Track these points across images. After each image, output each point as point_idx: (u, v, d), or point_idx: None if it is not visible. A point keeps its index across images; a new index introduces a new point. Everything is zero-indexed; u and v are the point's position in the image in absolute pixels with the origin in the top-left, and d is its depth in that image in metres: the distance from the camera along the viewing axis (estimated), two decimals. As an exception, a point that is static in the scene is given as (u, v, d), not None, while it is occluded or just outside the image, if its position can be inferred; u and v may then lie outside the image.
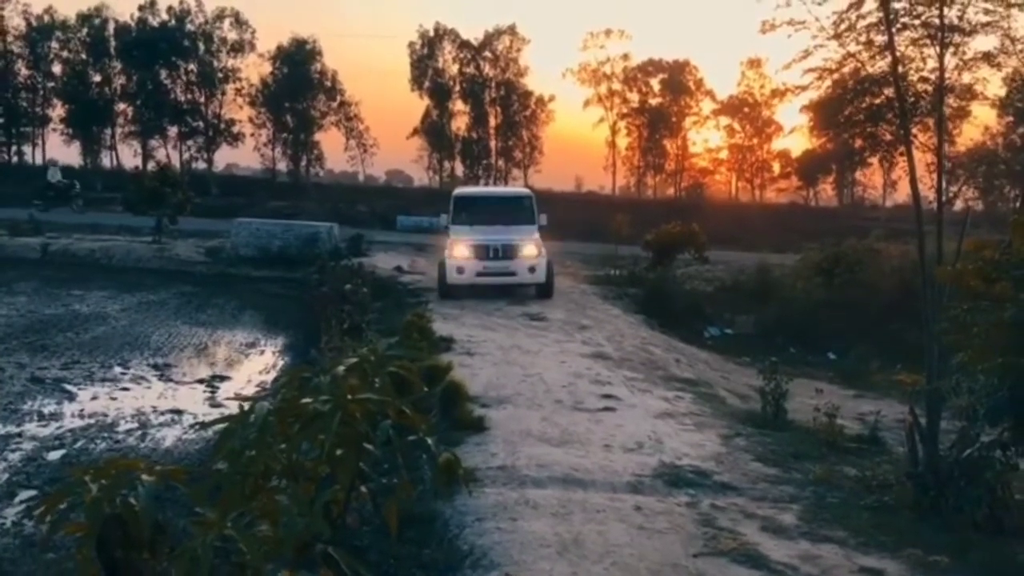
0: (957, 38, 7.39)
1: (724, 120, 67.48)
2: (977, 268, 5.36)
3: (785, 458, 9.17)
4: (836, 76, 8.02)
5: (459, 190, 23.42)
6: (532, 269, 19.23)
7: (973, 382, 6.01)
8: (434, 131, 63.34)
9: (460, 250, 19.17)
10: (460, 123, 64.82)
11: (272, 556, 3.09)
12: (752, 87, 65.16)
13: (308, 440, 3.33)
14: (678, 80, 65.33)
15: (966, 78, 7.57)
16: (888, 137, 8.43)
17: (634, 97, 66.30)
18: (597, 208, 45.49)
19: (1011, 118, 52.52)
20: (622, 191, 69.06)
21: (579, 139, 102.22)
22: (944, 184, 8.84)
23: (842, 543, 6.96)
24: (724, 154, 69.28)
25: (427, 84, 62.95)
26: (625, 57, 64.89)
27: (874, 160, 50.03)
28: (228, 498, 3.12)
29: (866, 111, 8.21)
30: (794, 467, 8.89)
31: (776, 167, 69.23)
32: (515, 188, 25.40)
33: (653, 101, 65.92)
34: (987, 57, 7.54)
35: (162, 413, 11.52)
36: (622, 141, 67.49)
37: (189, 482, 3.13)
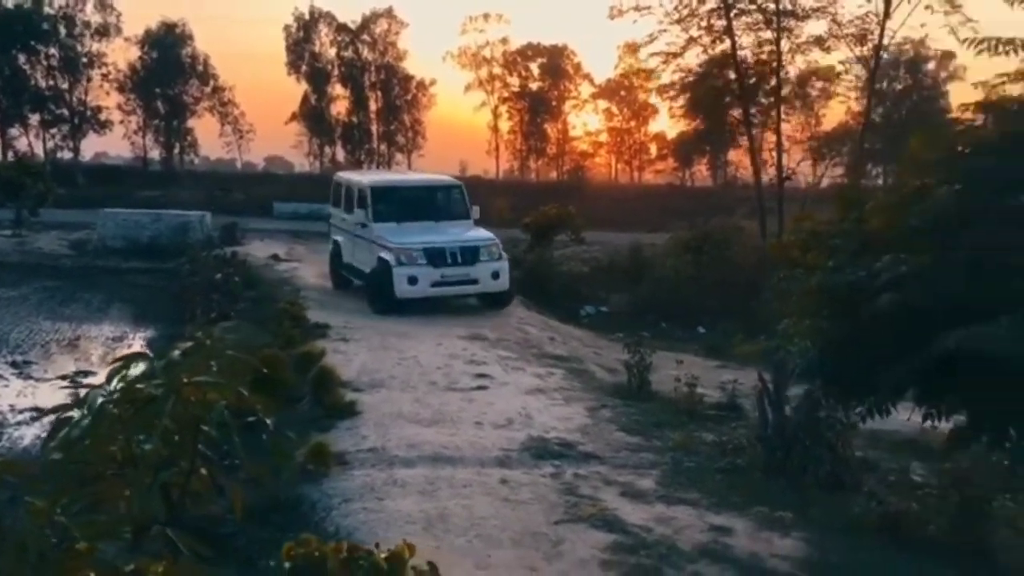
0: (792, 23, 7.82)
1: (603, 104, 68.64)
2: (799, 239, 5.79)
3: (647, 427, 9.58)
4: (681, 60, 8.37)
5: (373, 178, 19.68)
6: (496, 275, 16.38)
7: (792, 345, 6.50)
8: (313, 116, 62.08)
9: (410, 255, 15.79)
10: (340, 107, 63.67)
11: (108, 540, 3.11)
12: (629, 71, 66.30)
13: (144, 425, 3.35)
14: (557, 64, 66.00)
15: (799, 61, 8.03)
16: (735, 118, 8.84)
17: (514, 81, 66.63)
18: (481, 192, 45.59)
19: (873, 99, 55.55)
20: (506, 175, 69.30)
21: (462, 123, 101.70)
22: (810, 163, 9.33)
23: (695, 504, 7.36)
24: (604, 137, 70.52)
25: (304, 68, 61.54)
26: (504, 41, 65.06)
27: (743, 140, 51.76)
28: (59, 486, 3.13)
29: (712, 93, 8.61)
30: (655, 435, 9.31)
31: (653, 149, 70.86)
32: (439, 176, 22.29)
33: (533, 85, 66.44)
34: (818, 41, 8.02)
35: (20, 412, 11.07)
36: (504, 125, 67.73)
37: (28, 474, 3.12)
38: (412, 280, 15.72)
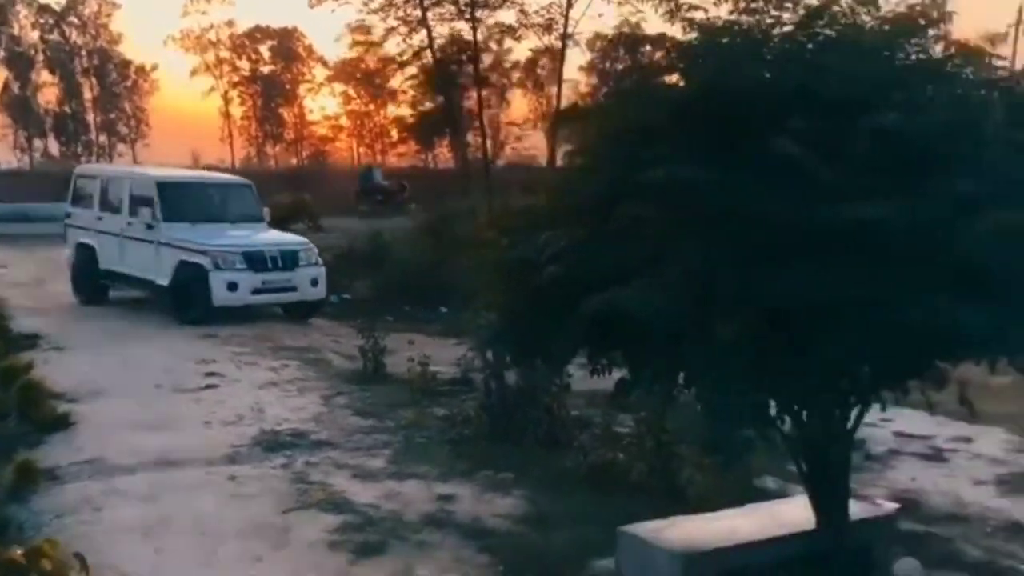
0: (484, 13, 8.26)
1: (339, 87, 68.00)
2: (490, 220, 6.22)
3: (381, 409, 9.81)
4: (380, 49, 8.58)
5: (156, 173, 17.79)
6: (315, 282, 15.80)
7: (481, 319, 7.01)
8: (17, 106, 56.69)
9: (227, 259, 14.64)
10: (49, 96, 58.69)
11: None
12: (363, 54, 66.06)
13: None
14: (287, 47, 64.57)
15: (494, 49, 8.50)
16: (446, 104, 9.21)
17: (244, 65, 64.53)
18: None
19: (596, 80, 59.12)
20: (243, 163, 66.88)
21: (191, 110, 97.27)
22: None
23: (424, 477, 7.68)
24: (344, 121, 69.92)
25: (2, 53, 56.01)
26: (230, 24, 62.71)
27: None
28: None
29: (414, 81, 8.91)
30: (389, 416, 9.56)
31: (394, 132, 71.16)
32: (225, 175, 21.40)
33: (265, 69, 64.63)
34: (509, 29, 8.53)
35: None
36: (236, 111, 65.49)
37: None
38: (232, 286, 14.61)
